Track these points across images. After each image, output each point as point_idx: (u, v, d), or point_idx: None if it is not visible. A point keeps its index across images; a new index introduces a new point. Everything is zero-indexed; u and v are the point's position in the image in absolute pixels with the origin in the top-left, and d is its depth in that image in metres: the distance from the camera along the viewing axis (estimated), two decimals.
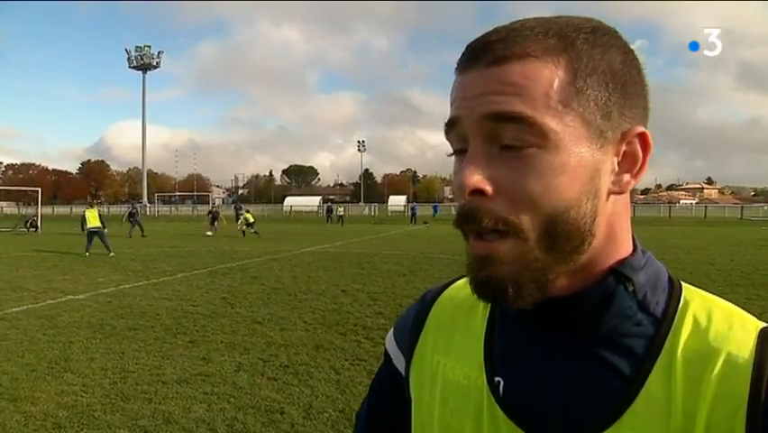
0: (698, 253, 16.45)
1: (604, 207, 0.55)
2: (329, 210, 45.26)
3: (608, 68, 0.54)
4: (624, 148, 0.55)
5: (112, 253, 15.52)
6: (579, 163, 0.52)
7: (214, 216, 27.27)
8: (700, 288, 0.62)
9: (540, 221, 0.52)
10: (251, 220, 24.86)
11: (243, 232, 24.52)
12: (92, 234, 16.06)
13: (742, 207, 62.06)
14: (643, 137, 0.56)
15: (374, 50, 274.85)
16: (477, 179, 0.52)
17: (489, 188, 0.52)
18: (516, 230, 0.53)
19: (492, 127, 0.53)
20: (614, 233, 0.57)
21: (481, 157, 0.53)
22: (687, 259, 14.86)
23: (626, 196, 0.58)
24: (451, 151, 0.58)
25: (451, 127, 0.57)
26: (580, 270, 0.56)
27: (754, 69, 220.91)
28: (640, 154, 0.56)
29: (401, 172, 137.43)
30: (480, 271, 0.55)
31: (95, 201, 20.19)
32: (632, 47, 0.57)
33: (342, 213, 41.51)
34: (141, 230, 24.22)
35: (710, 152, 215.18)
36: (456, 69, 0.57)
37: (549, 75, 0.52)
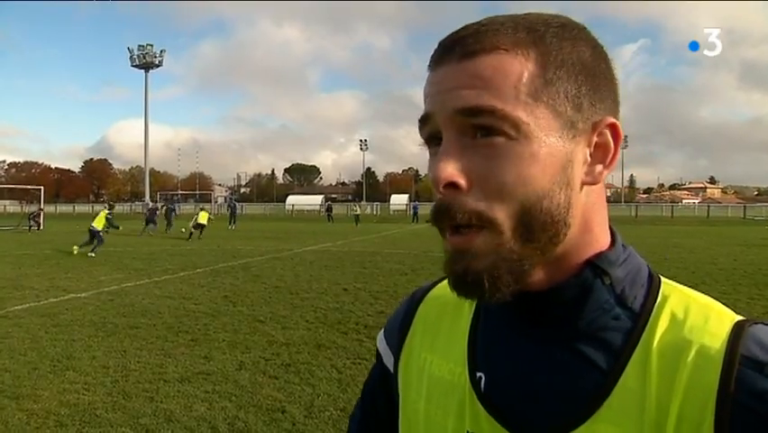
0: (700, 253, 16.42)
1: (577, 197, 0.56)
2: (329, 209, 45.02)
3: (577, 60, 0.55)
4: (595, 139, 0.56)
5: (92, 254, 15.20)
6: (550, 153, 0.53)
7: (168, 214, 26.03)
8: (703, 287, 0.61)
9: (514, 211, 0.53)
10: (203, 222, 22.85)
11: (191, 233, 22.74)
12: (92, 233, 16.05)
13: (745, 206, 61.91)
14: (613, 127, 0.56)
15: (375, 49, 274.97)
16: (451, 171, 0.53)
17: (463, 181, 0.53)
18: (492, 224, 0.53)
19: (464, 121, 0.53)
20: (588, 224, 0.57)
21: (455, 150, 0.54)
22: (689, 258, 14.84)
23: (601, 188, 0.59)
24: (422, 142, 0.59)
25: (424, 123, 0.57)
26: (556, 262, 0.56)
27: (756, 69, 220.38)
28: (611, 144, 0.56)
29: (403, 171, 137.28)
30: (456, 265, 0.55)
31: (112, 203, 20.82)
32: (600, 43, 0.58)
33: (358, 211, 40.30)
34: (165, 225, 26.30)
35: (713, 152, 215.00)
36: (429, 65, 0.57)
37: (519, 67, 0.53)
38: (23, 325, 6.94)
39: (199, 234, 22.56)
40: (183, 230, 25.54)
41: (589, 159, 0.56)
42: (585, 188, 0.56)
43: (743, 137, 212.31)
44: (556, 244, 0.55)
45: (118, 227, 17.84)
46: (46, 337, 6.35)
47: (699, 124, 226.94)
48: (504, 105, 0.52)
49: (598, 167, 0.56)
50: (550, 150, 0.53)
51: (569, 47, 0.54)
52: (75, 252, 15.49)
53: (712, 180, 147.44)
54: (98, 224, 16.23)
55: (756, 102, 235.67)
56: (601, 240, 0.59)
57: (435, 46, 0.57)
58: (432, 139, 0.57)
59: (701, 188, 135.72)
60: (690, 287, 0.60)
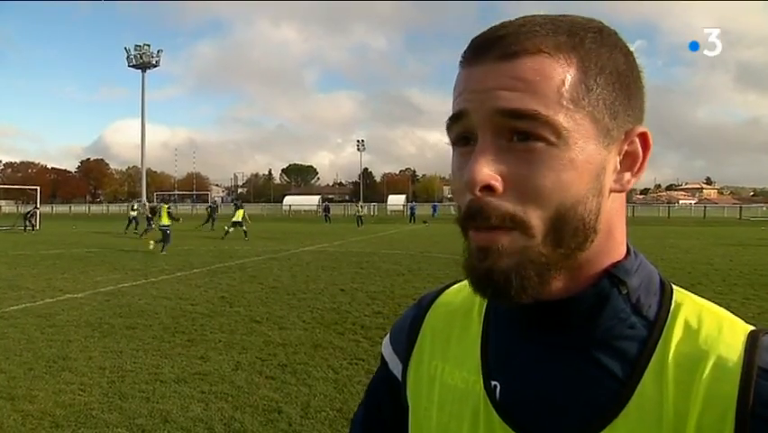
0: (696, 253, 16.47)
1: (606, 204, 0.56)
2: (326, 209, 44.46)
3: (614, 68, 0.54)
4: (626, 147, 0.56)
5: (164, 252, 16.00)
6: (587, 160, 0.53)
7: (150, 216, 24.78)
8: (699, 288, 0.62)
9: (548, 216, 0.52)
10: (240, 218, 22.69)
11: (226, 231, 22.65)
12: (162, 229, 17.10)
13: (741, 207, 62.08)
14: (644, 137, 0.57)
15: (372, 49, 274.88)
16: (487, 174, 0.52)
17: (498, 184, 0.52)
18: (524, 226, 0.52)
19: (503, 122, 0.52)
20: (611, 231, 0.57)
21: (491, 151, 0.52)
22: (685, 259, 14.87)
23: (623, 195, 0.59)
24: (448, 140, 0.58)
25: (455, 121, 0.56)
26: (577, 268, 0.56)
27: (752, 70, 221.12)
28: (640, 153, 0.57)
29: (400, 172, 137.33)
30: (483, 262, 0.54)
31: (169, 200, 21.91)
32: (632, 49, 0.57)
33: (361, 212, 38.44)
34: (212, 224, 28.92)
35: (710, 152, 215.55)
36: (461, 62, 0.56)
37: (561, 72, 0.52)
38: (19, 325, 6.91)
39: (226, 232, 22.17)
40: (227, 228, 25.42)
41: (618, 166, 0.56)
42: (612, 195, 0.56)
43: (739, 138, 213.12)
44: (583, 250, 0.55)
45: (178, 220, 19.26)
46: (42, 338, 6.32)
47: (696, 125, 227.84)
48: (546, 110, 0.51)
49: (627, 175, 0.57)
50: (587, 157, 0.53)
51: (607, 54, 0.54)
52: (151, 246, 16.29)
53: (708, 181, 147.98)
54: (165, 220, 16.86)
55: (752, 103, 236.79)
56: (621, 247, 0.59)
57: (468, 43, 0.56)
58: (461, 138, 0.56)
59: (698, 188, 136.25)
60: (686, 287, 0.60)
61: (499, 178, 0.52)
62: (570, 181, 0.52)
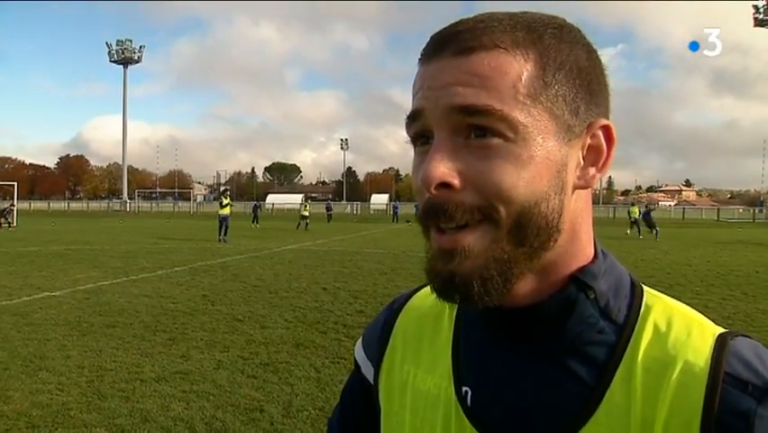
0: (675, 254, 16.69)
1: (569, 202, 0.54)
2: (329, 208, 41.00)
3: (575, 64, 0.53)
4: (588, 141, 0.55)
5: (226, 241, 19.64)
6: (546, 157, 0.52)
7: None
8: (677, 288, 0.62)
9: (511, 213, 0.51)
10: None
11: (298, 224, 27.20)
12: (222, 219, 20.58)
13: (718, 209, 63.18)
14: (607, 130, 0.55)
15: (354, 49, 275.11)
16: (444, 171, 0.51)
17: (456, 181, 0.51)
18: (492, 215, 0.51)
19: (459, 119, 0.51)
20: (576, 232, 0.56)
21: (447, 149, 0.52)
22: (664, 260, 15.07)
23: (588, 193, 0.57)
24: (408, 138, 0.57)
25: (413, 119, 0.55)
26: (542, 271, 0.55)
27: (727, 75, 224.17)
28: (604, 147, 0.55)
29: (384, 171, 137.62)
30: (446, 266, 0.53)
31: (226, 193, 23.16)
32: (595, 47, 0.56)
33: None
34: (256, 221, 30.20)
35: (689, 155, 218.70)
36: (420, 59, 0.55)
37: (518, 67, 0.51)
38: None
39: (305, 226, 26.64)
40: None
41: (582, 162, 0.55)
42: (576, 192, 0.55)
43: (717, 141, 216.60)
44: (546, 250, 0.54)
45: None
46: (18, 337, 6.21)
47: (676, 128, 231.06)
48: (502, 105, 0.50)
49: (591, 170, 0.55)
50: (547, 153, 0.52)
51: (567, 49, 0.53)
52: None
53: (688, 183, 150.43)
54: (226, 210, 20.66)
55: (729, 107, 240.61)
56: (587, 249, 0.58)
57: (427, 40, 0.55)
58: (419, 137, 0.55)
59: (677, 190, 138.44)
60: (664, 288, 0.60)
61: (457, 175, 0.51)
62: (530, 178, 0.51)
